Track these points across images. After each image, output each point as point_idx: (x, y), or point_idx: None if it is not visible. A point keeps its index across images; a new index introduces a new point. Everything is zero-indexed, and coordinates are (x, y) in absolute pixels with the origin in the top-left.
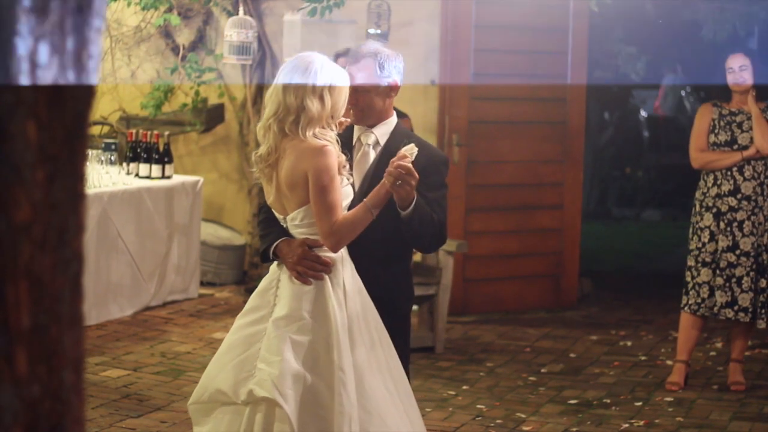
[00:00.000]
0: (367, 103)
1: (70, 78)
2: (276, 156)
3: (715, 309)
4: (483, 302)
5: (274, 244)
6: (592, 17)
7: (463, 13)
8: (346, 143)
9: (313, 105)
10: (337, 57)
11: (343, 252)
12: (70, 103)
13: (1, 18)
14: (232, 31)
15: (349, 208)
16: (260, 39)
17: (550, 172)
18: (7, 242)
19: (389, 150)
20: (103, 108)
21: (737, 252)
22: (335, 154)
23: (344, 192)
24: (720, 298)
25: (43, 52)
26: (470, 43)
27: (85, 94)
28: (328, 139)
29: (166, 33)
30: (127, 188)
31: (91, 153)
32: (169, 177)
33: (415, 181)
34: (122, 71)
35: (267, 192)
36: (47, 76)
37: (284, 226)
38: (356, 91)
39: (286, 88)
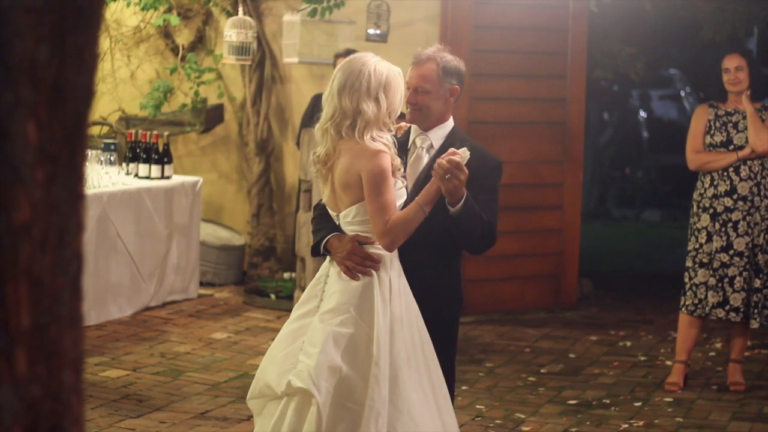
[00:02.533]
0: (426, 104)
1: (70, 78)
2: (334, 158)
3: (707, 309)
4: (483, 302)
5: (326, 239)
6: (591, 17)
7: (463, 13)
8: (402, 146)
9: (369, 108)
10: (336, 57)
11: (393, 252)
12: (70, 103)
13: (1, 18)
14: (232, 31)
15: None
16: (260, 39)
17: (549, 172)
18: (7, 242)
19: (442, 154)
20: (103, 108)
21: (730, 252)
22: (389, 157)
23: (398, 194)
24: (712, 298)
25: (43, 52)
26: (470, 43)
27: (84, 95)
28: (385, 142)
29: (166, 33)
30: (127, 188)
31: (91, 153)
32: (168, 177)
33: (464, 176)
34: (122, 71)
35: (322, 191)
36: (47, 76)
37: (337, 223)
38: (416, 92)
39: (341, 92)
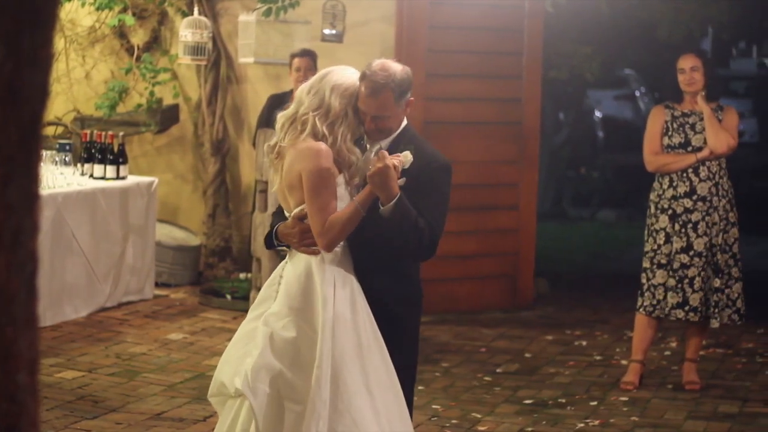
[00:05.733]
0: (387, 127)
1: (25, 78)
2: (280, 149)
3: (666, 310)
4: (439, 302)
5: (274, 230)
6: (547, 18)
7: (419, 13)
8: (357, 145)
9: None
10: (292, 57)
11: (339, 251)
12: (25, 103)
13: None
14: (187, 31)
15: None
16: (215, 39)
17: (505, 172)
18: None
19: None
20: (58, 108)
21: (690, 253)
22: (330, 156)
23: (341, 195)
24: (671, 299)
25: None
26: (425, 43)
27: (39, 95)
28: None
29: (121, 33)
30: (82, 189)
31: (46, 154)
32: (123, 178)
33: (390, 177)
34: (77, 71)
35: (275, 181)
36: (2, 76)
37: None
38: (376, 118)
39: (334, 90)
